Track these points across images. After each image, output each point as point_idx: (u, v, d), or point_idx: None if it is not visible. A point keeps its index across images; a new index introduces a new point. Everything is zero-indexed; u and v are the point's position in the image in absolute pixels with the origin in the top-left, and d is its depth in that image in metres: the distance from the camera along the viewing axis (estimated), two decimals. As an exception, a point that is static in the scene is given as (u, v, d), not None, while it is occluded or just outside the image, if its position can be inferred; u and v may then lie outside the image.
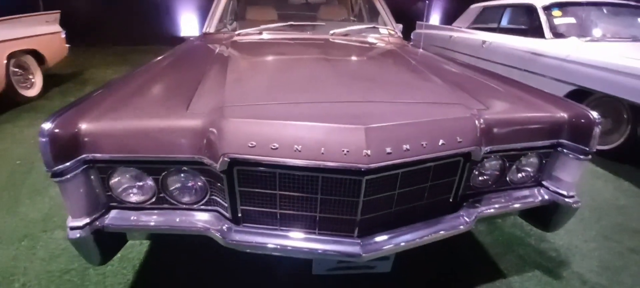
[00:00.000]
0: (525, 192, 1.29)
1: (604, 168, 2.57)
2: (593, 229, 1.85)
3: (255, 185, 0.98)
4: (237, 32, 2.29)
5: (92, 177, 1.00)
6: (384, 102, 1.10)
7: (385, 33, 2.54)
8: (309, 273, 1.14)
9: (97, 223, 1.02)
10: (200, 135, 0.96)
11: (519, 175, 1.28)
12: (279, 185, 0.97)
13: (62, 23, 4.37)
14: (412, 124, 0.98)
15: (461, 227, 1.11)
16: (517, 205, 1.25)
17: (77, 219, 0.98)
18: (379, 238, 1.02)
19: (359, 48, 2.05)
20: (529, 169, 1.27)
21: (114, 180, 1.03)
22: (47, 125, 0.89)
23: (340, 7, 3.62)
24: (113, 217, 1.06)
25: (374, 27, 2.55)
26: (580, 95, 2.93)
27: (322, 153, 0.90)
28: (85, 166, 0.97)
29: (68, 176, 0.93)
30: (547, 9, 3.66)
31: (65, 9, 4.79)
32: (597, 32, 3.48)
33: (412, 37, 6.60)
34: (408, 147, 0.94)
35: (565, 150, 1.21)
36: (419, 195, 1.07)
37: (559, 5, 3.67)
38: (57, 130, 0.90)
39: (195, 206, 1.08)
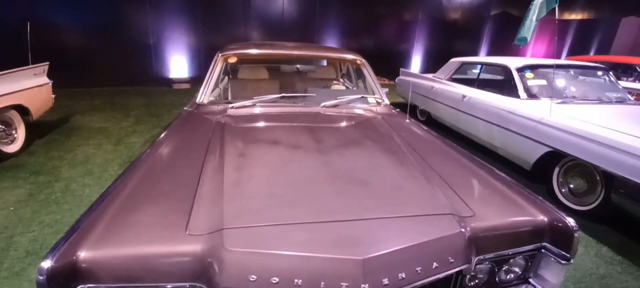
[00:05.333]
0: (514, 291, 1.34)
1: (583, 231, 2.68)
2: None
3: (253, 316, 0.99)
4: (230, 105, 2.35)
5: (86, 307, 0.98)
6: (377, 218, 1.14)
7: (373, 102, 2.66)
8: None
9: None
10: (199, 261, 0.98)
11: (507, 276, 1.33)
12: (278, 315, 0.98)
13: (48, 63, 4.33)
14: (407, 249, 1.02)
15: (455, 339, 1.14)
16: (507, 306, 1.30)
17: None
18: None
19: (348, 130, 2.12)
20: (516, 270, 1.33)
21: (109, 309, 1.01)
22: (46, 264, 0.89)
23: (326, 69, 3.78)
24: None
25: (362, 97, 2.67)
26: (555, 156, 3.10)
27: (322, 287, 0.92)
28: (80, 296, 0.95)
29: (63, 314, 0.91)
30: (521, 70, 3.94)
31: (51, 49, 4.73)
32: (566, 93, 3.75)
33: (396, 81, 6.90)
34: (403, 275, 0.98)
35: (548, 253, 1.28)
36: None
37: (531, 68, 3.97)
38: (56, 266, 0.90)
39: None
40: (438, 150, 1.89)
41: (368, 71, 2.96)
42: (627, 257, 2.38)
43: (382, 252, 0.99)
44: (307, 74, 3.50)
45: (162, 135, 1.92)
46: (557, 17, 3.18)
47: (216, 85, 2.72)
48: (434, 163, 1.65)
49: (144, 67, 8.33)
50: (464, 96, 4.53)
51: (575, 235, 1.24)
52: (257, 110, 2.33)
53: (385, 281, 0.95)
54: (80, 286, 0.95)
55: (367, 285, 0.92)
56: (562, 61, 4.42)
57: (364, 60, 3.00)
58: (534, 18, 3.28)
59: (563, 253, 1.24)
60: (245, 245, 0.98)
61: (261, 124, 2.16)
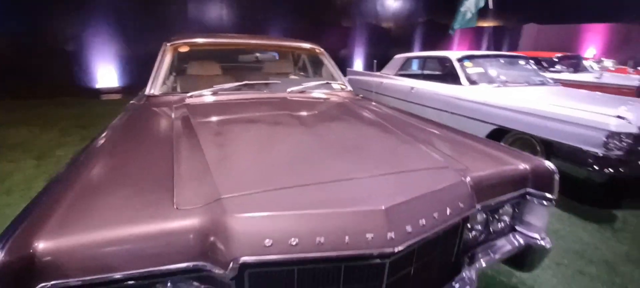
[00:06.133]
0: (505, 241, 1.39)
1: (530, 196, 2.96)
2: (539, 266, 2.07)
3: (269, 287, 0.86)
4: (188, 94, 2.12)
5: (51, 313, 0.76)
6: (384, 174, 1.10)
7: (337, 88, 2.64)
8: None
9: None
10: (199, 236, 0.82)
11: (499, 225, 1.38)
12: (298, 282, 0.87)
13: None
14: (423, 198, 0.99)
15: (471, 286, 1.13)
16: (502, 254, 1.34)
17: None
18: (405, 321, 0.98)
19: (323, 109, 2.07)
20: (506, 218, 1.39)
21: (82, 312, 0.80)
22: (-7, 256, 0.67)
23: (284, 61, 3.69)
24: None
25: (327, 83, 2.64)
26: (500, 132, 3.41)
27: (347, 242, 0.84)
28: (44, 300, 0.74)
29: (19, 320, 0.70)
30: (460, 60, 4.28)
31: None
32: (500, 78, 4.16)
33: (344, 82, 7.04)
34: (424, 222, 0.94)
35: (532, 198, 1.35)
36: (430, 265, 1.07)
37: (469, 58, 4.35)
38: (8, 259, 0.68)
39: (188, 322, 0.90)
40: (413, 121, 1.92)
41: (328, 60, 2.94)
42: (571, 213, 2.69)
43: (402, 200, 0.94)
44: (264, 67, 3.35)
45: (110, 126, 1.65)
46: (490, 7, 3.52)
47: (166, 77, 2.46)
48: (413, 132, 1.66)
49: (65, 77, 7.33)
50: (412, 88, 4.79)
51: (556, 176, 1.33)
52: (219, 98, 2.15)
53: (409, 228, 0.90)
54: (41, 285, 0.73)
55: (392, 233, 0.86)
56: (494, 52, 4.93)
57: (322, 50, 2.98)
58: (469, 11, 3.61)
59: (546, 195, 1.33)
60: (253, 210, 0.86)
61: (229, 108, 1.99)
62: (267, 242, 0.81)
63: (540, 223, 1.37)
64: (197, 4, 8.69)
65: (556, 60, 7.08)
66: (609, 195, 3.06)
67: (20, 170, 3.20)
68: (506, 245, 1.38)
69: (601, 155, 2.54)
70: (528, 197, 1.36)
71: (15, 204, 2.52)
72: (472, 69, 4.24)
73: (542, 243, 1.36)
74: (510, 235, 1.42)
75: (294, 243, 0.82)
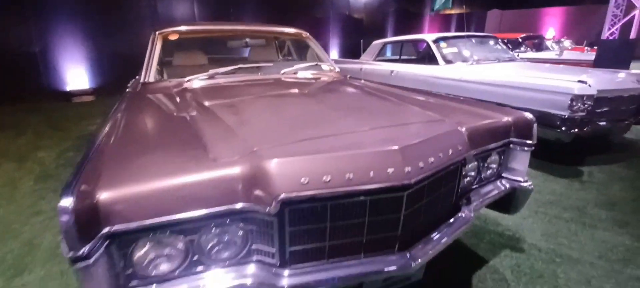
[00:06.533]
0: (493, 186, 1.58)
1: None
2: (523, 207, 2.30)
3: (306, 222, 0.98)
4: (186, 79, 2.17)
5: (114, 254, 0.84)
6: (392, 125, 1.23)
7: (327, 69, 2.76)
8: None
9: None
10: (243, 182, 0.92)
11: (488, 172, 1.56)
12: (331, 217, 0.99)
13: None
14: (429, 141, 1.13)
15: (470, 221, 1.30)
16: (492, 196, 1.52)
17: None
18: (419, 248, 1.12)
19: (320, 85, 2.18)
20: (493, 166, 1.57)
21: (139, 253, 0.88)
22: (67, 201, 0.74)
23: (272, 47, 3.76)
24: (136, 302, 0.89)
25: (317, 65, 2.75)
26: (476, 106, 3.67)
27: (372, 176, 0.97)
28: (108, 242, 0.82)
29: (91, 260, 0.78)
30: (436, 42, 4.52)
31: None
32: (473, 57, 4.43)
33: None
34: (432, 160, 1.08)
35: (515, 146, 1.54)
36: (436, 202, 1.22)
37: (444, 39, 4.59)
38: (79, 204, 0.76)
39: (233, 261, 1.00)
40: (403, 92, 2.07)
41: (314, 44, 3.05)
42: (545, 171, 2.98)
43: (412, 142, 1.08)
44: (253, 53, 3.41)
45: (114, 110, 1.68)
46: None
47: (159, 65, 2.48)
48: (406, 98, 1.81)
49: (30, 81, 6.93)
50: (392, 71, 4.98)
51: (534, 125, 1.52)
52: (216, 81, 2.20)
53: (421, 164, 1.04)
54: (106, 230, 0.81)
55: (409, 167, 1.00)
56: (467, 33, 5.22)
57: (308, 34, 3.08)
58: None
59: (527, 141, 1.52)
60: (288, 155, 0.97)
61: (230, 88, 2.05)
62: (304, 180, 0.92)
63: (523, 168, 1.56)
64: (167, 1, 8.48)
65: (520, 40, 7.55)
66: (576, 153, 3.39)
67: (1, 174, 3.09)
68: (494, 189, 1.56)
69: (567, 117, 2.82)
70: (511, 146, 1.55)
71: (7, 205, 2.46)
72: (447, 49, 4.48)
73: (525, 185, 1.56)
74: (498, 182, 1.61)
75: (327, 179, 0.93)
